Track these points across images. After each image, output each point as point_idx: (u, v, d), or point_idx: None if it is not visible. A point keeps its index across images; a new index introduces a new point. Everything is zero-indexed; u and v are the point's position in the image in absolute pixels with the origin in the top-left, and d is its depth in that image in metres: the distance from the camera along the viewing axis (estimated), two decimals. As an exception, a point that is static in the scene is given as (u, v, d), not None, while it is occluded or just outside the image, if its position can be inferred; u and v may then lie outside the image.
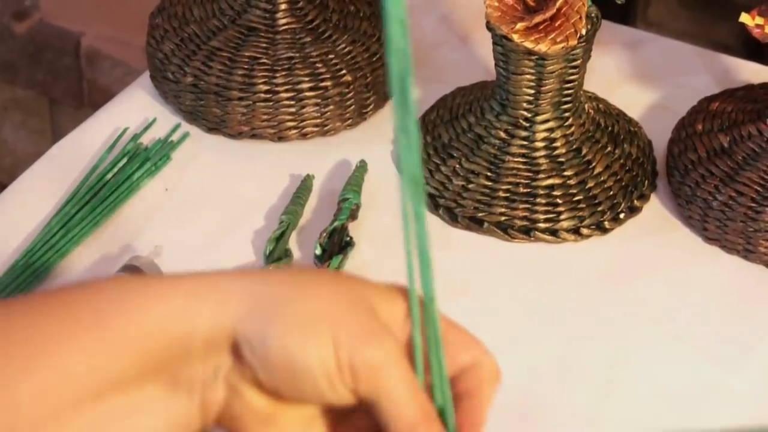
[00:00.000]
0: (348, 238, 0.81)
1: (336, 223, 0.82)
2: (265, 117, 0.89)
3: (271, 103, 0.89)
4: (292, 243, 0.83)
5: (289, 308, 0.49)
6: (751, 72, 0.94)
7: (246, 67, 0.89)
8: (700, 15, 1.04)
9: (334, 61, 0.90)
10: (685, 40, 1.00)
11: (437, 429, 0.49)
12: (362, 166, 0.87)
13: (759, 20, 0.76)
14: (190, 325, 0.49)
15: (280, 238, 0.82)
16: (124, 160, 0.87)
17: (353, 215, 0.83)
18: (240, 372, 0.50)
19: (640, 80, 0.94)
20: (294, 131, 0.90)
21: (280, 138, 0.90)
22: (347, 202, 0.84)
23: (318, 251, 0.81)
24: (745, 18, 0.76)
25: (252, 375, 0.49)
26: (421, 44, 0.97)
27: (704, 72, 0.94)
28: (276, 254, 0.81)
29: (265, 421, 0.51)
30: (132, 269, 0.78)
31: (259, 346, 0.48)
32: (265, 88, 0.89)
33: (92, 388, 0.48)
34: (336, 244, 0.81)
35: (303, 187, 0.86)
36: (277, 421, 0.51)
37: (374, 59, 0.91)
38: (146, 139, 0.89)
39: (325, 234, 0.81)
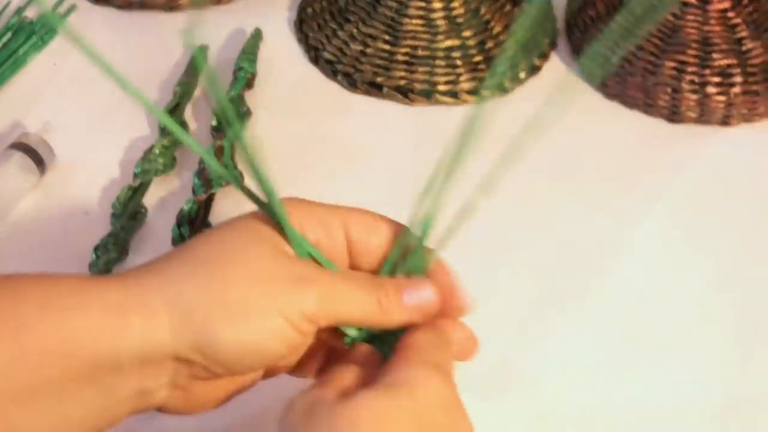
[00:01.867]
0: (244, 108, 0.80)
1: (231, 93, 0.80)
2: (155, -14, 0.86)
3: (159, -29, 0.86)
4: (188, 115, 0.81)
5: (221, 304, 0.48)
6: (649, -75, 0.92)
7: (132, -66, 0.86)
8: None
9: (223, -74, 0.87)
10: None
11: (399, 294, 0.52)
12: (257, 34, 0.84)
13: None
14: (117, 341, 0.48)
15: (175, 110, 0.80)
16: (9, 34, 0.84)
17: (249, 84, 0.81)
18: (189, 373, 0.49)
19: (538, -62, 0.92)
20: (185, 0, 0.87)
21: (171, 8, 0.87)
22: (242, 71, 0.81)
23: (214, 122, 0.79)
24: None
25: (204, 371, 0.49)
26: None
27: (603, -73, 0.93)
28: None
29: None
30: (21, 147, 0.75)
31: (209, 350, 0.48)
32: (153, -44, 0.86)
33: (12, 393, 0.47)
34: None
35: (197, 58, 0.83)
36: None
37: (266, -77, 0.88)
38: (31, 13, 0.86)
39: None
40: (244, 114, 0.79)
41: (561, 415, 0.66)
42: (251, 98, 0.81)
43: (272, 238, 0.52)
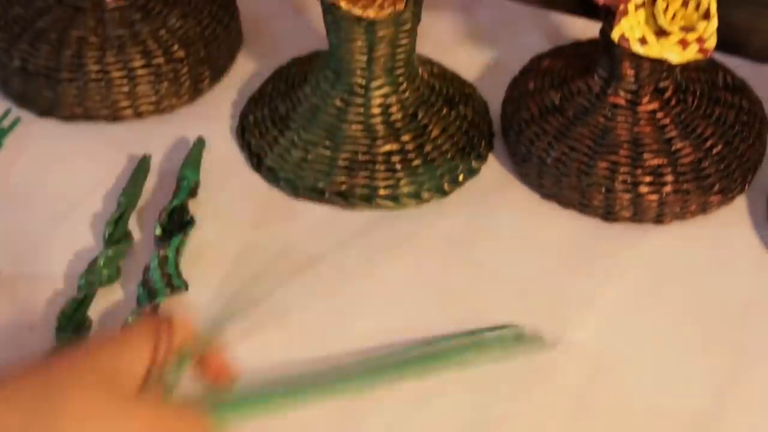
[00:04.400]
0: (188, 217, 0.80)
1: (175, 202, 0.81)
2: (97, 98, 0.87)
3: (102, 83, 0.87)
4: (132, 224, 0.81)
5: None
6: (580, 28, 0.95)
7: (75, 47, 0.87)
8: (535, -27, 1.05)
9: (165, 38, 0.89)
10: (521, -1, 1.01)
11: None
12: (200, 143, 0.86)
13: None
14: None
15: (119, 220, 0.81)
16: (-48, 149, 0.85)
17: (193, 193, 0.82)
18: None
19: (473, 41, 0.94)
20: (128, 110, 0.88)
21: (115, 118, 0.88)
22: (186, 180, 0.82)
23: (158, 232, 0.80)
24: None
25: None
26: (255, 17, 0.96)
27: (536, 30, 0.95)
28: (115, 237, 0.80)
29: None
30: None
31: None
32: (96, 68, 0.87)
33: None
34: (176, 224, 0.80)
35: (140, 168, 0.84)
36: None
37: (206, 33, 0.90)
38: (-25, 127, 0.87)
39: (164, 214, 0.80)
40: (187, 223, 0.80)
41: None
42: (195, 207, 0.82)
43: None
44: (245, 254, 0.80)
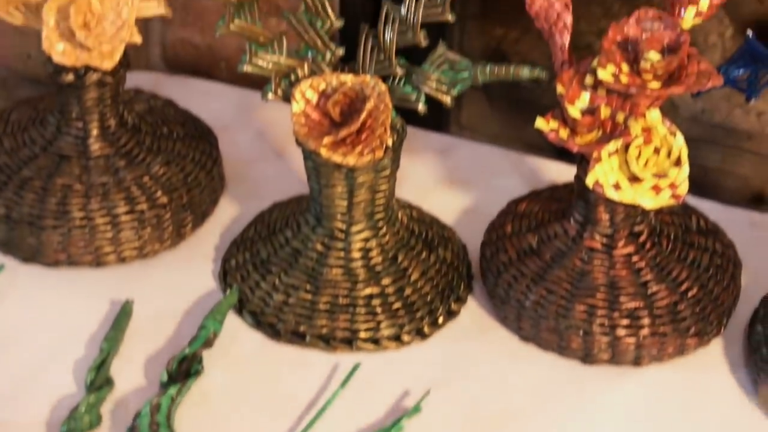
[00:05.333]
0: (199, 366, 0.80)
1: (187, 351, 0.81)
2: (81, 244, 0.88)
3: (87, 230, 0.88)
4: (115, 370, 0.82)
5: None
6: (556, 172, 0.97)
7: (59, 194, 0.89)
8: (511, 117, 1.07)
9: (149, 184, 0.90)
10: (498, 142, 1.03)
11: None
12: (231, 297, 0.85)
13: (553, 124, 0.79)
14: None
15: (101, 366, 0.81)
16: (-64, 296, 0.85)
17: (209, 343, 0.82)
18: None
19: (451, 185, 0.96)
20: (112, 256, 0.89)
21: (98, 264, 0.89)
22: (205, 329, 0.82)
23: (164, 378, 0.80)
24: (540, 123, 0.79)
25: None
26: (237, 160, 0.98)
27: (513, 174, 0.97)
28: (97, 383, 0.80)
29: None
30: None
31: None
32: (80, 214, 0.88)
33: None
34: (183, 372, 0.80)
35: (123, 313, 0.85)
36: None
37: (189, 179, 0.92)
38: (-41, 274, 0.87)
39: (173, 361, 0.80)
40: (196, 372, 0.80)
41: None
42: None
43: None
44: (228, 400, 0.80)
